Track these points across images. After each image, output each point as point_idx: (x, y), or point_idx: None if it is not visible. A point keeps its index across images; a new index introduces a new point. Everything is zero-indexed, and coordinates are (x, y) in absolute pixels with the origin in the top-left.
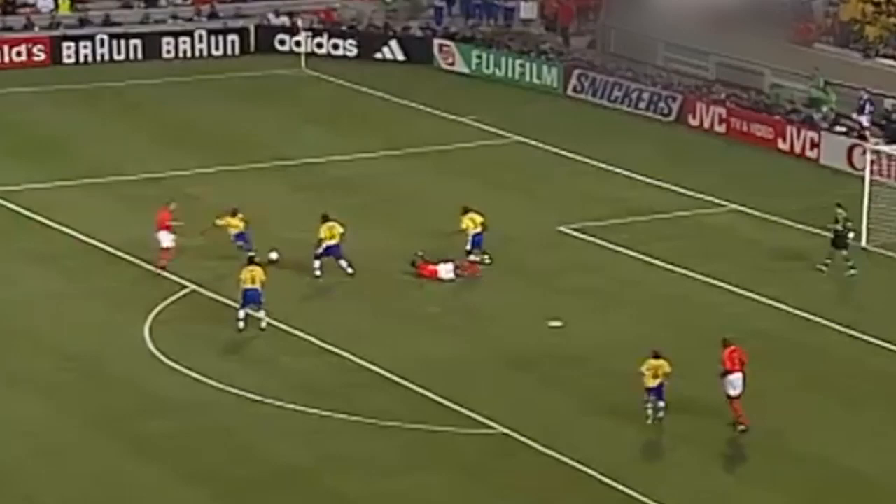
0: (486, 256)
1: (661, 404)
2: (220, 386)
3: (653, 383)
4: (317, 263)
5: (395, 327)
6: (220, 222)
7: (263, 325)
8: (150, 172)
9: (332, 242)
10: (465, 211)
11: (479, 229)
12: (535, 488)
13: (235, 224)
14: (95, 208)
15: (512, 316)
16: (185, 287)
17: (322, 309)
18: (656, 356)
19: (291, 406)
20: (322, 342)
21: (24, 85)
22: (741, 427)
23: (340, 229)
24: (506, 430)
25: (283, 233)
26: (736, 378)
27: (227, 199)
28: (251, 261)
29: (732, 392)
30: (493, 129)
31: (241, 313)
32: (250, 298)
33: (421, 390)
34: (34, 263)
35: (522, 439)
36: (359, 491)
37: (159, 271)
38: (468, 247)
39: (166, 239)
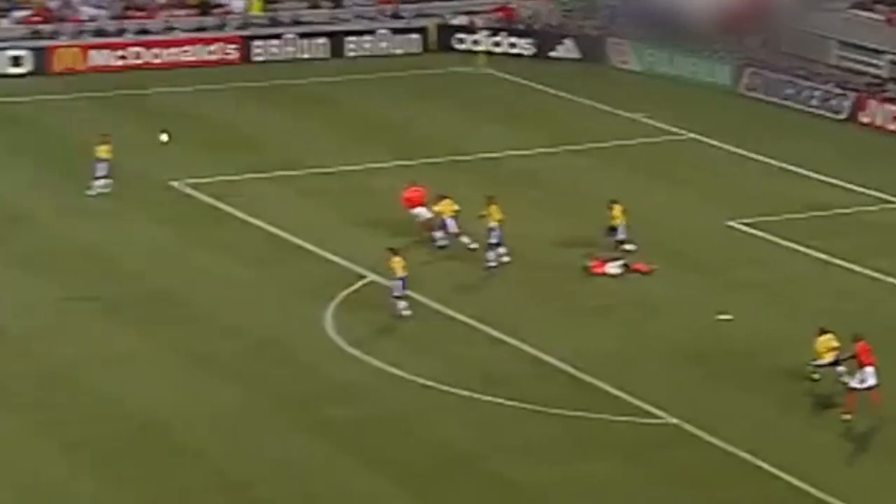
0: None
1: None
2: (397, 373)
3: (829, 358)
4: (490, 255)
5: (565, 318)
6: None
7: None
8: (333, 167)
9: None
10: (613, 203)
11: (621, 220)
12: (703, 478)
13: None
14: (280, 200)
15: (680, 308)
16: (364, 277)
17: (494, 299)
18: (823, 332)
19: (464, 393)
20: (494, 331)
21: (217, 82)
22: (846, 417)
23: (499, 215)
24: (674, 420)
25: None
26: (870, 371)
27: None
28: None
29: (864, 384)
30: (666, 126)
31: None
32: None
33: (589, 379)
34: (222, 252)
35: (690, 429)
36: (529, 477)
37: (435, 237)
38: (620, 237)
39: (424, 213)
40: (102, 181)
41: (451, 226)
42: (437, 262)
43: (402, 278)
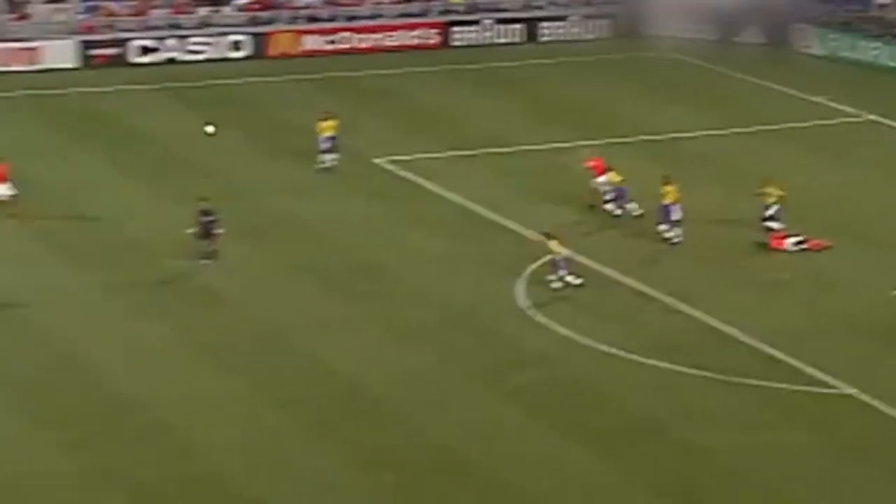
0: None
1: None
2: (584, 341)
3: None
4: (671, 231)
5: (742, 291)
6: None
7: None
8: (526, 145)
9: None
10: (766, 182)
11: (775, 199)
12: (884, 448)
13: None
14: (476, 177)
15: (857, 284)
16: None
17: (673, 271)
18: None
19: (648, 361)
20: (674, 301)
21: (419, 65)
22: None
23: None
24: (851, 391)
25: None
26: None
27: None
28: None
29: None
30: (844, 108)
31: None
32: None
33: (768, 349)
34: (422, 227)
35: (870, 400)
36: (717, 445)
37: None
38: (769, 213)
39: (604, 181)
40: (329, 156)
41: (622, 194)
42: (617, 233)
43: (560, 258)
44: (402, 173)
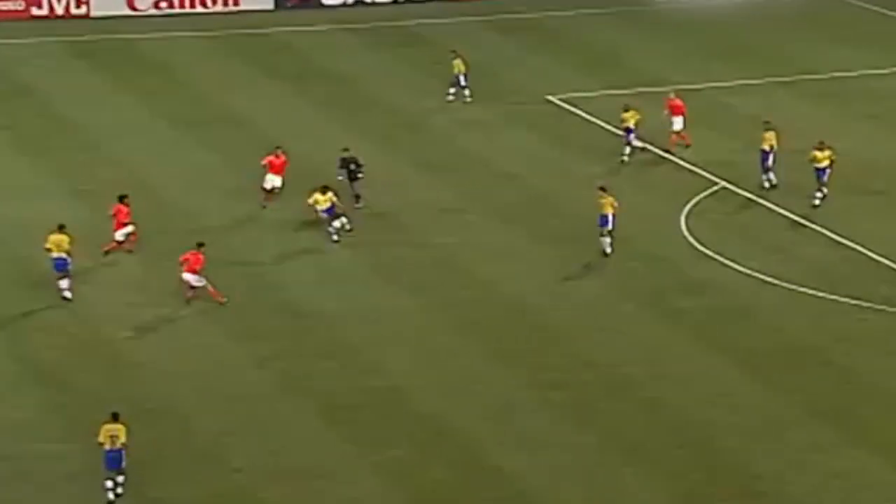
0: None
1: None
2: (744, 270)
3: None
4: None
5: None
6: None
7: None
8: (692, 84)
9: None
10: (822, 145)
11: (825, 164)
12: None
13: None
14: (642, 113)
15: None
16: (716, 183)
17: (834, 204)
18: None
19: (805, 290)
20: (837, 236)
21: (590, 6)
22: None
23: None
24: None
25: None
26: None
27: (757, 109)
28: None
29: None
30: None
31: None
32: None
33: None
34: (589, 157)
35: None
36: (863, 369)
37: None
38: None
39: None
40: (466, 91)
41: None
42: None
43: (605, 215)
44: (574, 109)
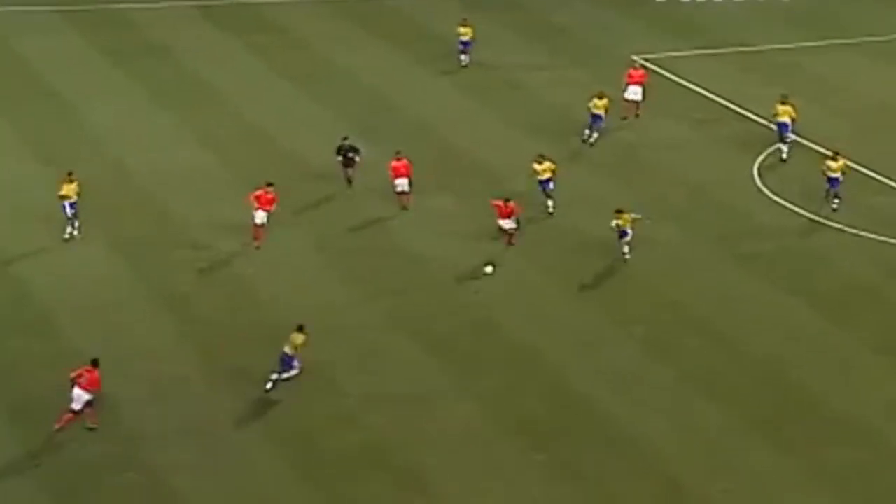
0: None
1: None
2: (811, 216)
3: None
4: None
5: None
6: None
7: None
8: (760, 45)
9: None
10: (836, 156)
11: (837, 174)
12: None
13: None
14: (718, 72)
15: None
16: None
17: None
18: None
19: (869, 235)
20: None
21: None
22: None
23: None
24: None
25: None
26: None
27: (822, 70)
28: None
29: None
30: None
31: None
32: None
33: None
34: (668, 114)
35: None
36: None
37: None
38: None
39: None
40: (465, 56)
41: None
42: (842, 122)
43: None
44: (655, 68)
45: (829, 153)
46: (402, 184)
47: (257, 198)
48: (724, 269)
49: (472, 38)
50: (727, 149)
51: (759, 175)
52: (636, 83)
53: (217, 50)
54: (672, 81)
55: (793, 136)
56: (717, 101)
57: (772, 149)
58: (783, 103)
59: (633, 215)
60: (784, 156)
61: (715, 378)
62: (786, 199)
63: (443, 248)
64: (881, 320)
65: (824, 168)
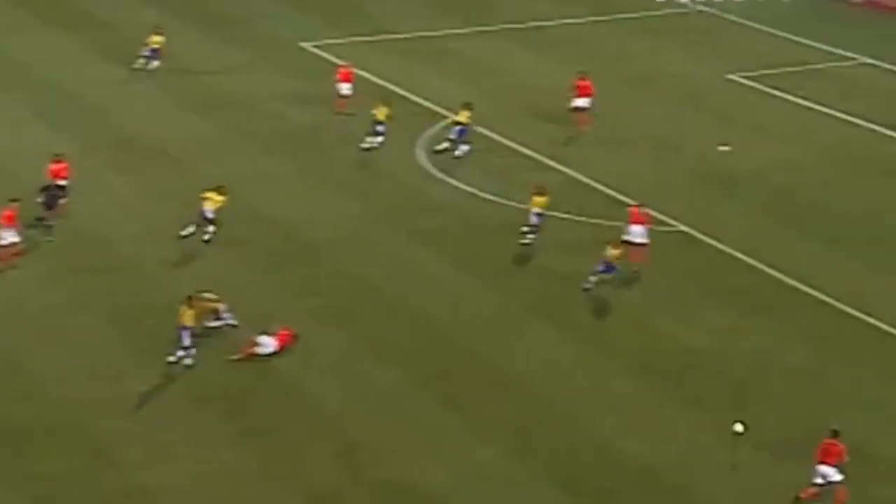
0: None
1: None
2: (471, 190)
3: None
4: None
5: (602, 149)
6: None
7: None
8: (423, 31)
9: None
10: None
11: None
12: (703, 271)
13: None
14: (383, 58)
15: (689, 141)
16: (446, 117)
17: (551, 135)
18: None
19: (522, 206)
20: (549, 160)
21: None
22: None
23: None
24: (684, 228)
25: (526, 78)
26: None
27: (481, 53)
28: None
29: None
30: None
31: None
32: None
33: (619, 196)
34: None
35: (697, 235)
36: (569, 270)
37: None
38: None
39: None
40: (155, 62)
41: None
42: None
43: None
44: (323, 55)
45: (535, 189)
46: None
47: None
48: (396, 241)
49: (161, 47)
50: (394, 129)
51: (426, 153)
52: (345, 81)
53: None
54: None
55: (467, 147)
56: (383, 85)
57: (435, 129)
58: (465, 107)
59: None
60: (458, 153)
61: (387, 342)
62: (451, 177)
63: (124, 229)
64: (537, 286)
65: (529, 205)
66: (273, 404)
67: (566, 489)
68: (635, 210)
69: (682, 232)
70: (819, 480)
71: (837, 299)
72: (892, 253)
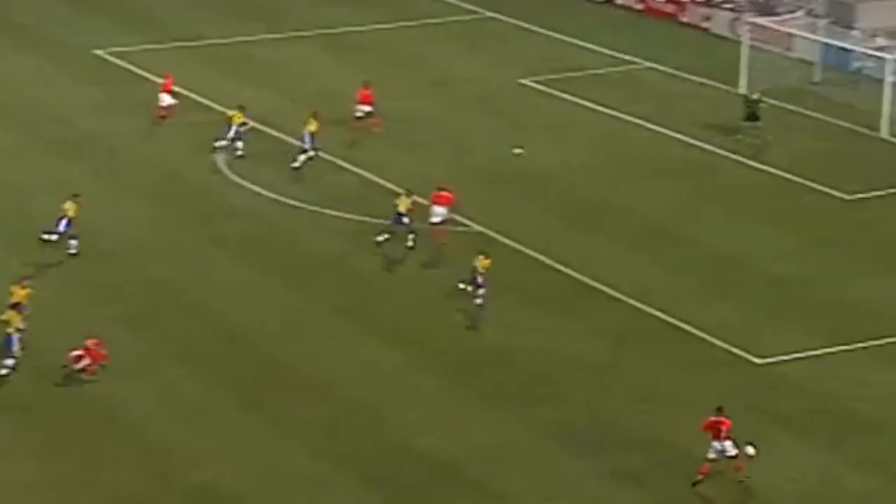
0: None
1: None
2: (273, 195)
3: None
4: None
5: (393, 151)
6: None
7: None
8: (218, 38)
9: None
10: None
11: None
12: (498, 270)
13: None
14: (181, 65)
15: (486, 145)
16: (246, 123)
17: (343, 137)
18: None
19: (313, 208)
20: (344, 162)
21: None
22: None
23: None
24: (480, 228)
25: (325, 83)
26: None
27: (277, 60)
28: None
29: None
30: (470, 7)
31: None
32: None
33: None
34: (137, 108)
35: (492, 234)
36: (371, 270)
37: None
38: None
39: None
40: None
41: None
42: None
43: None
44: (119, 62)
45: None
46: None
47: None
48: (198, 247)
49: None
50: (192, 134)
51: (223, 159)
52: (166, 91)
53: None
54: (134, 74)
55: (310, 152)
56: (181, 92)
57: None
58: (314, 116)
59: None
60: (297, 164)
61: (190, 348)
62: (250, 182)
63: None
64: (345, 288)
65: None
66: (77, 413)
67: (370, 486)
68: (436, 192)
69: (477, 232)
70: (713, 456)
71: (630, 296)
72: (674, 249)
